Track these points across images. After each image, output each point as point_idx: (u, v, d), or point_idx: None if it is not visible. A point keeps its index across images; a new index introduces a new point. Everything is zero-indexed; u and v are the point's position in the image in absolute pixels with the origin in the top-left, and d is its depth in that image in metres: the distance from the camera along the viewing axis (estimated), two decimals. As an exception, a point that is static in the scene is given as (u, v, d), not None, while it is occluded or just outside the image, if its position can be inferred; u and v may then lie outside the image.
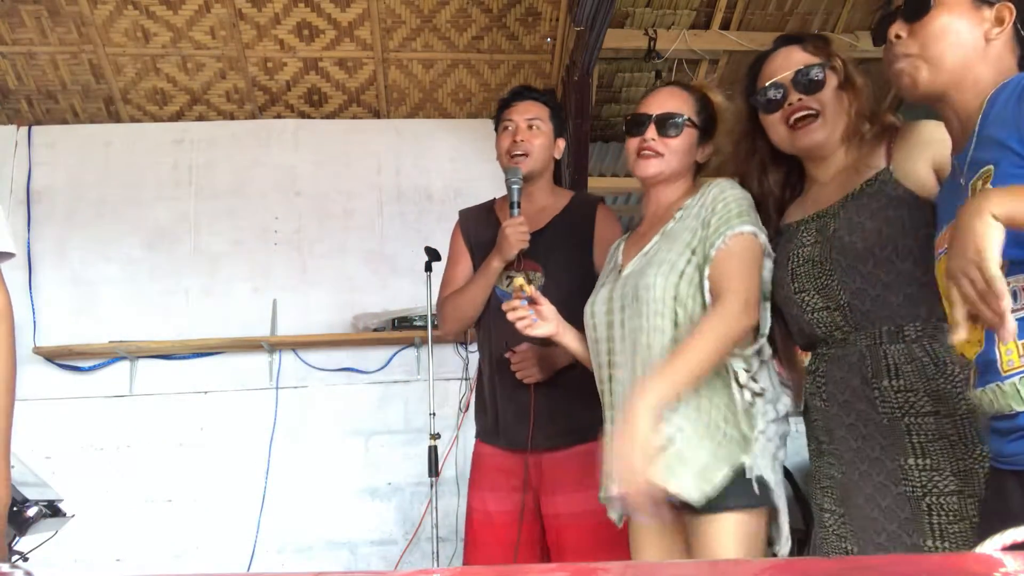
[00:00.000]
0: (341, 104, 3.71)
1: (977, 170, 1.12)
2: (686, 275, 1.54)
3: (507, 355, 2.05)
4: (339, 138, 3.72)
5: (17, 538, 1.98)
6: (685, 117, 1.68)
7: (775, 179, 1.63)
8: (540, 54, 3.58)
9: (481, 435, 2.21)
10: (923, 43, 1.20)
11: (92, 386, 3.36)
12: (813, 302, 1.48)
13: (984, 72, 1.18)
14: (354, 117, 3.77)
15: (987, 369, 1.11)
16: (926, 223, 1.31)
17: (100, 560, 3.18)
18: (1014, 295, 1.05)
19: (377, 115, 3.76)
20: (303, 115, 3.74)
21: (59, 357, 3.31)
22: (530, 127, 2.16)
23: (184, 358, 3.44)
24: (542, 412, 2.06)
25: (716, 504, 1.44)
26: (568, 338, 1.77)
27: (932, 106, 1.27)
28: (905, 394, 1.36)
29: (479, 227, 2.24)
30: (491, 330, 2.16)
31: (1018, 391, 1.07)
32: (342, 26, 3.40)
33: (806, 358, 1.63)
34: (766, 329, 1.57)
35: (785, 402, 1.56)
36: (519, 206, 2.06)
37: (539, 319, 1.71)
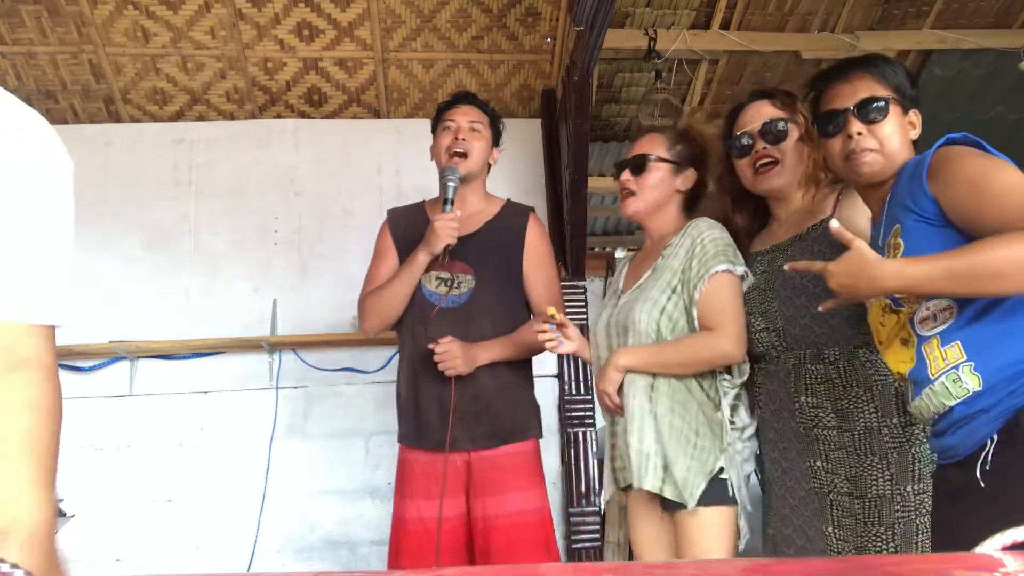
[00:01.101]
0: (341, 104, 3.71)
1: (890, 229, 1.41)
2: (666, 311, 1.79)
3: (431, 346, 2.06)
4: (339, 138, 3.72)
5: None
6: (654, 156, 1.91)
7: (747, 211, 1.90)
8: (540, 54, 3.58)
9: (405, 439, 2.19)
10: (881, 141, 1.46)
11: (92, 386, 3.35)
12: (757, 324, 1.77)
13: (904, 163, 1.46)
14: (354, 117, 3.77)
15: (919, 380, 1.36)
16: None
17: (100, 560, 3.18)
18: (934, 317, 1.35)
19: (377, 115, 3.76)
20: (303, 115, 3.74)
21: (59, 357, 3.29)
22: (472, 129, 2.22)
23: (184, 358, 3.44)
24: (466, 412, 2.07)
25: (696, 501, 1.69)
26: (587, 353, 2.00)
27: (863, 191, 1.55)
28: (816, 410, 1.66)
29: (408, 225, 2.27)
30: (413, 328, 2.16)
31: (946, 387, 1.31)
32: (342, 26, 3.40)
33: None
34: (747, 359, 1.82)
35: (751, 422, 1.80)
36: (452, 203, 2.11)
37: (564, 340, 1.94)
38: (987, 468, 1.24)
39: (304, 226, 3.62)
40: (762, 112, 1.81)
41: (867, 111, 1.47)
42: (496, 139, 2.30)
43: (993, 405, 1.25)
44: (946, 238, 1.31)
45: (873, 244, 1.46)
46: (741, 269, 1.76)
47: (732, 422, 1.73)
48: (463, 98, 2.31)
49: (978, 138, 1.36)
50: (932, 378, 1.33)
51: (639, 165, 1.91)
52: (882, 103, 1.47)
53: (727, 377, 1.76)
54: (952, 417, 1.31)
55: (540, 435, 2.21)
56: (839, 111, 1.49)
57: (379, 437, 3.46)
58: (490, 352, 2.10)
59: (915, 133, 1.51)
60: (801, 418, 1.67)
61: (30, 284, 0.80)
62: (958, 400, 1.29)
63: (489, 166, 2.32)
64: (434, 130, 2.32)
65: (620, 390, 1.79)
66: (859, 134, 1.46)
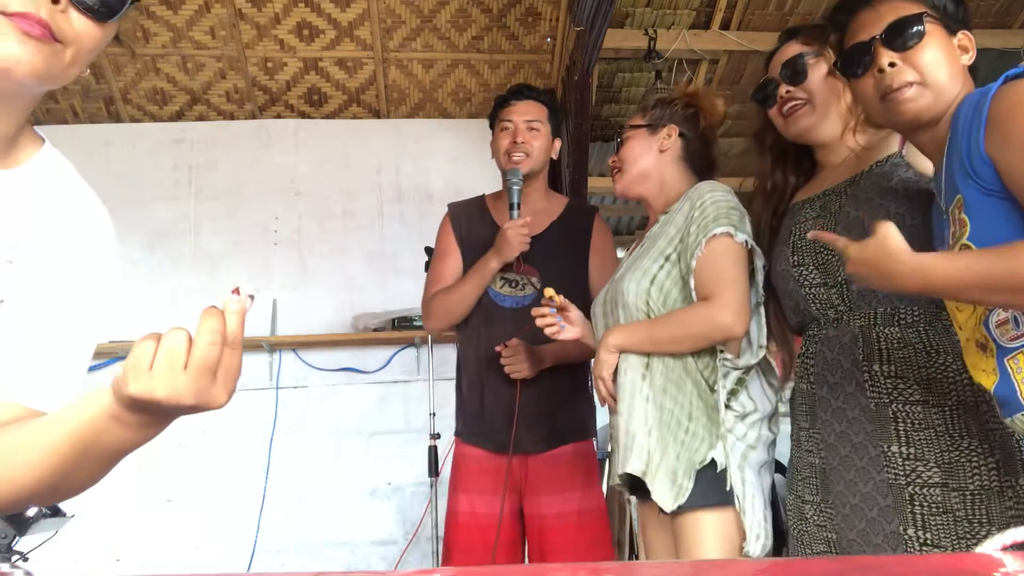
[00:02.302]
0: (341, 104, 3.71)
1: (953, 197, 1.15)
2: (657, 280, 1.60)
3: (498, 349, 2.04)
4: (339, 138, 3.72)
5: (17, 538, 1.98)
6: (627, 126, 1.79)
7: (792, 167, 1.62)
8: (540, 54, 3.58)
9: (464, 436, 2.18)
10: (921, 70, 1.18)
11: (92, 386, 3.35)
12: (811, 277, 1.47)
13: (961, 98, 1.18)
14: (354, 117, 3.77)
15: (1007, 401, 1.11)
16: (928, 218, 1.30)
17: (100, 560, 3.18)
18: (1015, 322, 1.09)
19: (377, 115, 3.76)
20: (303, 115, 3.74)
21: (59, 357, 3.31)
22: (530, 128, 2.13)
23: (184, 358, 3.44)
24: (529, 415, 2.05)
25: (687, 503, 1.49)
26: (592, 340, 1.81)
27: (912, 136, 1.28)
28: (895, 380, 1.35)
29: (472, 224, 2.22)
30: (479, 329, 2.14)
31: None
32: (342, 26, 3.40)
33: (798, 346, 1.62)
34: (764, 340, 1.59)
35: (766, 408, 1.58)
36: (519, 207, 2.05)
37: (567, 324, 1.77)
38: None
39: (304, 226, 3.63)
40: (787, 51, 1.58)
41: (899, 36, 1.19)
42: (556, 130, 2.22)
43: None
44: None
45: (936, 205, 1.24)
46: (743, 236, 1.55)
47: (729, 406, 1.54)
48: (520, 93, 2.21)
49: None
50: None
51: (618, 142, 1.81)
52: (918, 23, 1.18)
53: (727, 357, 1.56)
54: None
55: (596, 435, 2.19)
56: (864, 43, 1.22)
57: (379, 437, 3.46)
58: (553, 355, 2.06)
59: (968, 58, 1.23)
60: (873, 392, 1.36)
61: (50, 372, 0.84)
62: None
63: (552, 161, 2.25)
64: (492, 126, 2.24)
65: (621, 367, 1.64)
66: (891, 65, 1.19)
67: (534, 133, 2.14)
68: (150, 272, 3.50)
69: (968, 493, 1.26)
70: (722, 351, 1.55)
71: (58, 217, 0.88)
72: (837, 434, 1.43)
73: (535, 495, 2.05)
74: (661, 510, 1.53)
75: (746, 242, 1.55)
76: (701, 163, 1.76)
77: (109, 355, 3.36)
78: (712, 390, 1.54)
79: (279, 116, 3.73)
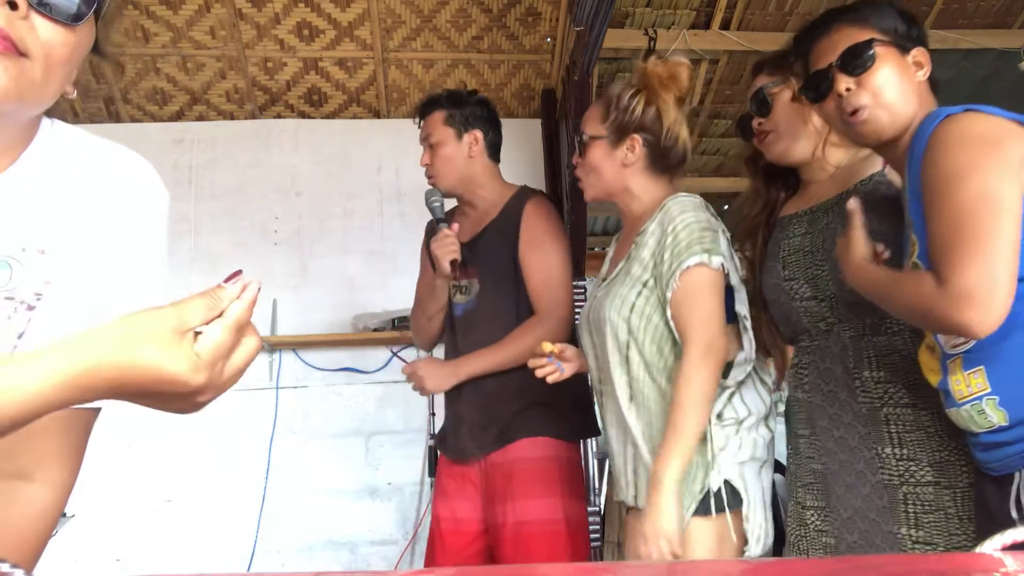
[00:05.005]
0: (341, 104, 3.71)
1: (912, 208, 1.26)
2: (636, 307, 1.59)
3: (402, 369, 2.16)
4: (339, 138, 3.72)
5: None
6: (587, 136, 1.72)
7: (780, 184, 1.71)
8: (540, 54, 3.58)
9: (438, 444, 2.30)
10: (875, 93, 1.28)
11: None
12: (802, 291, 1.53)
13: (920, 115, 1.28)
14: (354, 117, 3.77)
15: (947, 395, 1.26)
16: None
17: (100, 560, 3.18)
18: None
19: (377, 115, 3.76)
20: (303, 115, 3.74)
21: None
22: (429, 146, 2.16)
23: (184, 358, 3.44)
24: (475, 423, 2.08)
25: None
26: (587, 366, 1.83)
27: (879, 152, 1.40)
28: (885, 385, 1.41)
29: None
30: (445, 339, 2.24)
31: (972, 416, 1.21)
32: (342, 26, 3.40)
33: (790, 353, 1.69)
34: (752, 353, 1.60)
35: (760, 410, 1.59)
36: (445, 221, 2.12)
37: (563, 365, 1.75)
38: (1021, 505, 1.16)
39: (304, 226, 3.63)
40: (753, 87, 1.68)
41: (852, 62, 1.29)
42: (467, 124, 2.15)
43: (1018, 439, 1.17)
44: None
45: (906, 217, 1.33)
46: (718, 260, 1.54)
47: (721, 417, 1.55)
48: (417, 114, 2.23)
49: (983, 106, 1.20)
50: (958, 403, 1.23)
51: (581, 145, 1.74)
52: (868, 48, 1.29)
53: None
54: (980, 440, 1.23)
55: (556, 436, 2.07)
56: (823, 70, 1.33)
57: (379, 437, 3.46)
58: (469, 366, 2.05)
59: (923, 73, 1.32)
60: (865, 396, 1.43)
61: None
62: (983, 431, 1.21)
63: (492, 150, 2.21)
64: None
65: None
66: (848, 91, 1.29)
67: (433, 149, 2.15)
68: (150, 272, 3.49)
69: (958, 490, 1.32)
70: None
71: (77, 193, 0.81)
72: (836, 439, 1.48)
73: (495, 503, 2.04)
74: None
75: (722, 265, 1.55)
76: (670, 162, 1.72)
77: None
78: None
79: (279, 116, 3.73)
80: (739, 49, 3.50)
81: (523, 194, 2.19)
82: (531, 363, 1.77)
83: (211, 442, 3.33)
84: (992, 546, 0.55)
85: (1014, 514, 1.15)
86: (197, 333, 0.64)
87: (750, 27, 3.51)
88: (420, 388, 2.10)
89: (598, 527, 3.31)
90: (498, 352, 2.04)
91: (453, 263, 2.04)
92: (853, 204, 1.34)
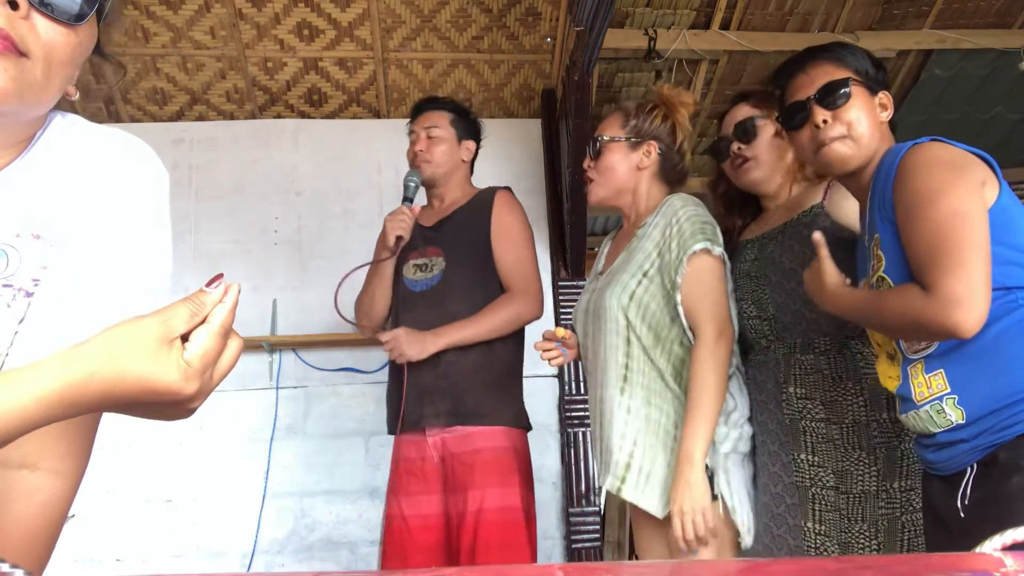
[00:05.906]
0: (341, 104, 3.71)
1: (872, 236, 1.39)
2: (636, 295, 1.70)
3: (378, 335, 2.21)
4: (339, 138, 3.72)
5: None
6: (606, 137, 1.85)
7: (743, 213, 1.88)
8: (540, 54, 3.58)
9: (388, 429, 2.32)
10: (848, 125, 1.42)
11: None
12: (749, 311, 1.74)
13: (883, 149, 1.43)
14: (354, 117, 3.77)
15: (906, 399, 1.37)
16: (845, 256, 1.51)
17: (100, 560, 3.18)
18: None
19: (377, 115, 3.76)
20: (303, 115, 3.74)
21: (59, 357, 3.30)
22: (429, 136, 2.29)
23: (184, 358, 3.44)
24: (433, 389, 2.13)
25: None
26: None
27: (844, 181, 1.51)
28: (804, 401, 1.62)
29: None
30: (397, 317, 2.29)
31: (931, 416, 1.31)
32: (342, 26, 3.40)
33: None
34: (737, 349, 1.75)
35: (744, 407, 1.71)
36: (411, 200, 2.24)
37: (567, 350, 1.88)
38: (966, 500, 1.26)
39: (304, 226, 3.63)
40: (739, 114, 1.82)
41: (829, 96, 1.43)
42: (466, 134, 2.36)
43: (974, 437, 1.26)
44: None
45: (861, 240, 1.48)
46: (719, 250, 1.70)
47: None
48: (421, 106, 2.39)
49: (945, 139, 1.33)
50: (917, 404, 1.34)
51: (596, 148, 1.86)
52: (844, 86, 1.43)
53: None
54: (935, 440, 1.33)
55: (514, 426, 2.16)
56: (801, 102, 1.46)
57: (379, 437, 3.46)
58: (449, 336, 2.12)
59: (886, 115, 1.47)
60: (788, 409, 1.63)
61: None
62: (942, 429, 1.31)
63: (471, 162, 2.40)
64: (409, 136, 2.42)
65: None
66: (824, 122, 1.42)
67: (434, 140, 2.29)
68: (150, 272, 3.49)
69: (852, 495, 1.54)
70: None
71: (73, 177, 0.81)
72: (759, 443, 1.70)
73: (452, 493, 2.08)
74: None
75: (722, 255, 1.70)
76: (675, 175, 1.87)
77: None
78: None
79: (279, 116, 3.73)
80: (739, 49, 3.50)
81: (492, 189, 2.36)
82: (538, 346, 1.89)
83: (211, 442, 3.33)
84: (992, 546, 0.55)
85: (962, 514, 1.26)
86: (183, 339, 0.63)
87: (750, 27, 3.51)
88: (400, 355, 2.13)
89: (598, 527, 3.31)
90: (478, 323, 2.13)
91: (398, 239, 2.18)
92: (818, 237, 1.46)
